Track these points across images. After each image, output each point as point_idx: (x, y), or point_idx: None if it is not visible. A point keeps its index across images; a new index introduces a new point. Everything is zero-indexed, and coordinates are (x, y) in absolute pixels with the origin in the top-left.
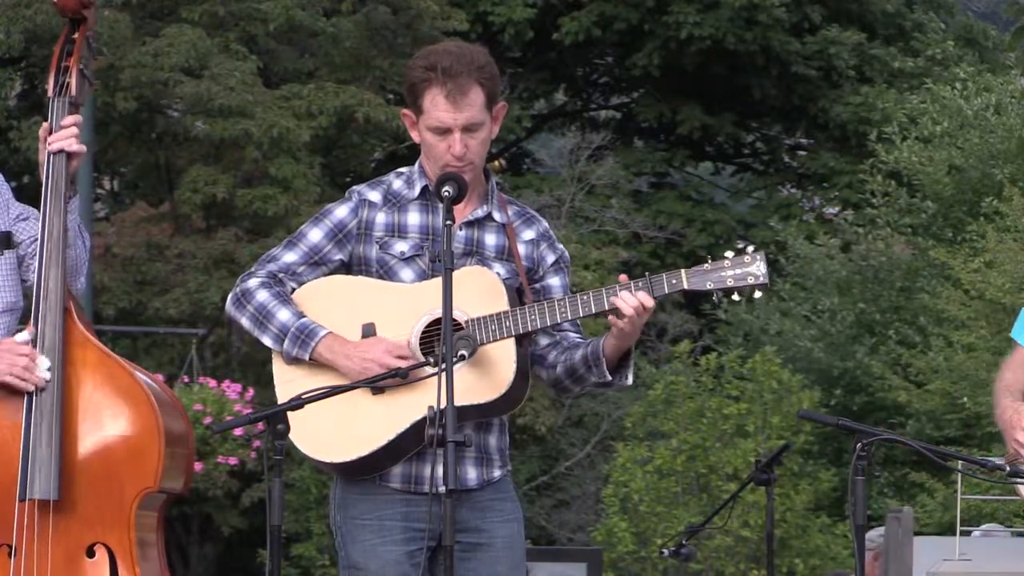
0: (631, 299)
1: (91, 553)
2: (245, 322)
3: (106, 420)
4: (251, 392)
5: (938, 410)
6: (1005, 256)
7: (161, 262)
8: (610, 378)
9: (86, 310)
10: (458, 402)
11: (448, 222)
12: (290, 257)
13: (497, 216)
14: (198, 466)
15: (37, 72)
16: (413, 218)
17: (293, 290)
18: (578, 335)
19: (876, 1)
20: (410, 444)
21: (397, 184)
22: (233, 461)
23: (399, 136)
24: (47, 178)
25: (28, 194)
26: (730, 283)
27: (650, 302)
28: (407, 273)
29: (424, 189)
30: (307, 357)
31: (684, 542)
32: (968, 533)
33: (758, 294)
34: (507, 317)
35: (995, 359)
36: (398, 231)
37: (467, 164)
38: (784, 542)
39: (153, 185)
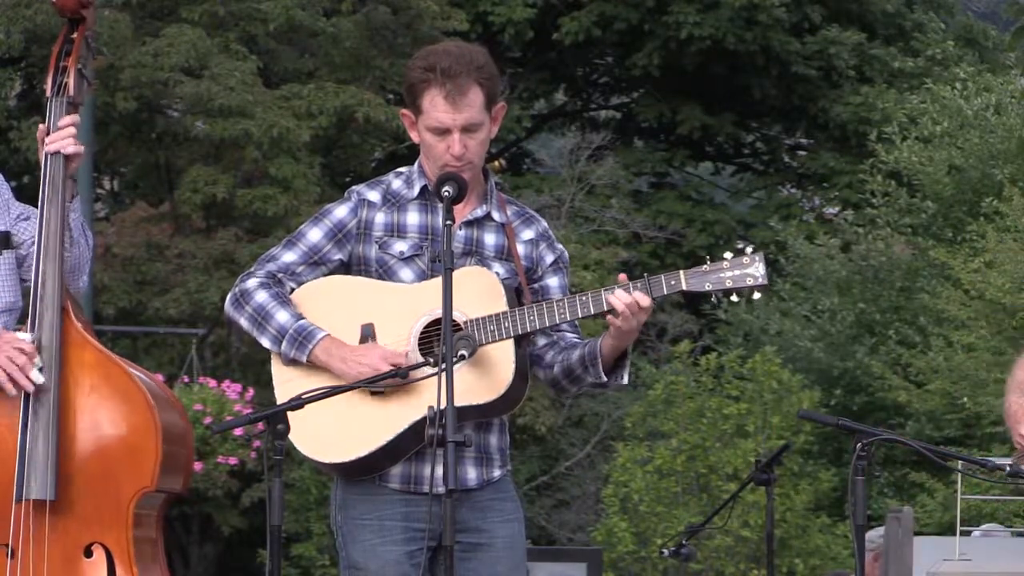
0: (626, 297)
1: (89, 553)
2: (244, 322)
3: (103, 420)
4: (251, 392)
5: (938, 410)
6: (1005, 256)
7: (161, 262)
8: (605, 379)
9: (86, 310)
10: (457, 402)
11: (448, 222)
12: (289, 257)
13: (496, 216)
14: (198, 466)
15: (37, 72)
16: (412, 218)
17: (292, 290)
18: (575, 335)
19: (876, 1)
20: (409, 444)
21: (396, 184)
22: (233, 461)
23: (399, 136)
24: (44, 178)
25: (28, 194)
26: (729, 284)
27: (646, 302)
28: (406, 273)
29: (423, 189)
30: (304, 359)
31: (684, 542)
32: (968, 533)
33: (757, 295)
34: (506, 318)
35: (995, 359)
36: (397, 231)
37: (466, 164)
38: (784, 542)
39: (153, 185)
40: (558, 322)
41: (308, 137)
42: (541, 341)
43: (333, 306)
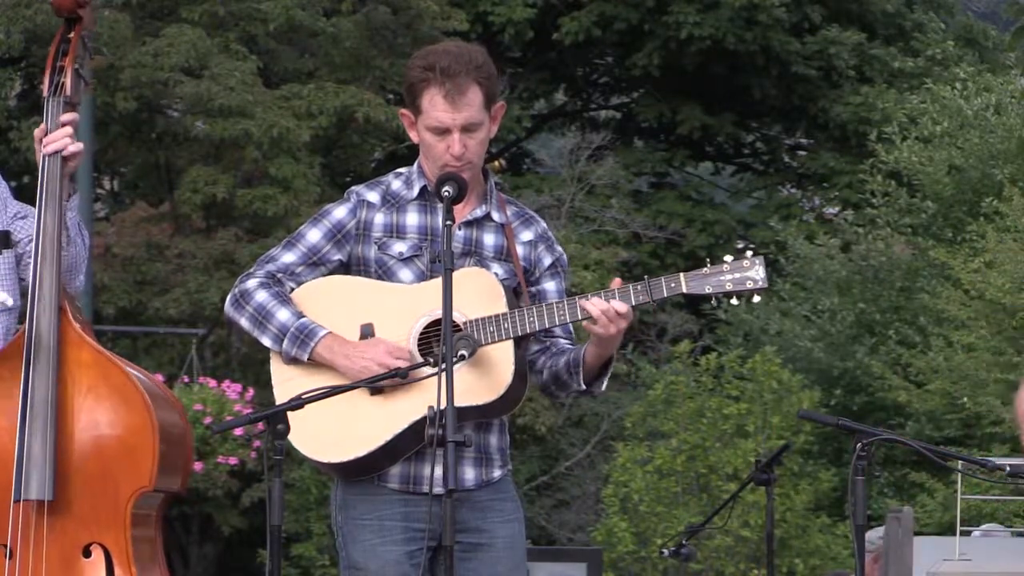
0: (601, 304)
1: (87, 553)
2: (244, 322)
3: (101, 420)
4: (251, 392)
5: (938, 410)
6: (1005, 256)
7: (161, 262)
8: (584, 387)
9: (86, 309)
10: (457, 403)
11: (448, 222)
12: (289, 257)
13: (496, 216)
14: (198, 466)
15: (37, 72)
16: (412, 218)
17: (292, 290)
18: (568, 341)
19: (876, 1)
20: (408, 444)
21: (396, 185)
22: (233, 461)
23: (399, 136)
24: (42, 178)
25: (28, 194)
26: (729, 287)
27: (623, 308)
28: (406, 274)
29: (423, 189)
30: (306, 357)
31: (684, 542)
32: (968, 533)
33: (757, 298)
34: (506, 319)
35: (995, 359)
36: (397, 232)
37: (466, 164)
38: (784, 542)
39: (153, 185)
40: (557, 323)
41: (308, 137)
42: (534, 347)
43: (333, 306)
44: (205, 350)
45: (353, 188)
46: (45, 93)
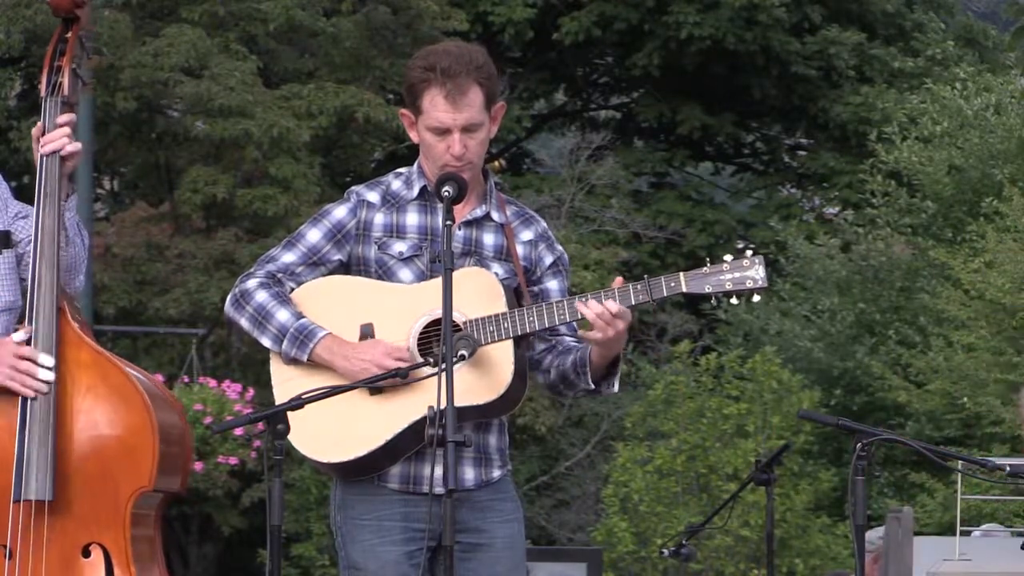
0: (596, 307)
1: (87, 553)
2: (244, 323)
3: (100, 419)
4: (251, 392)
5: (938, 410)
6: (1005, 256)
7: (161, 262)
8: (593, 387)
9: (86, 309)
10: (457, 403)
11: (448, 222)
12: (289, 257)
13: (495, 216)
14: (198, 466)
15: (37, 72)
16: (412, 218)
17: (292, 290)
18: (573, 339)
19: (876, 1)
20: (408, 444)
21: (396, 185)
22: (233, 461)
23: (399, 136)
24: (40, 178)
25: (28, 194)
26: (729, 287)
27: (615, 307)
28: (406, 273)
29: (423, 189)
30: (305, 358)
31: (684, 542)
32: (968, 533)
33: (756, 298)
34: (505, 319)
35: (995, 359)
36: (397, 232)
37: (466, 164)
38: (784, 542)
39: (153, 185)
40: (557, 323)
41: (308, 137)
42: (540, 346)
43: (333, 306)
44: (205, 350)
45: (353, 188)
46: (43, 93)
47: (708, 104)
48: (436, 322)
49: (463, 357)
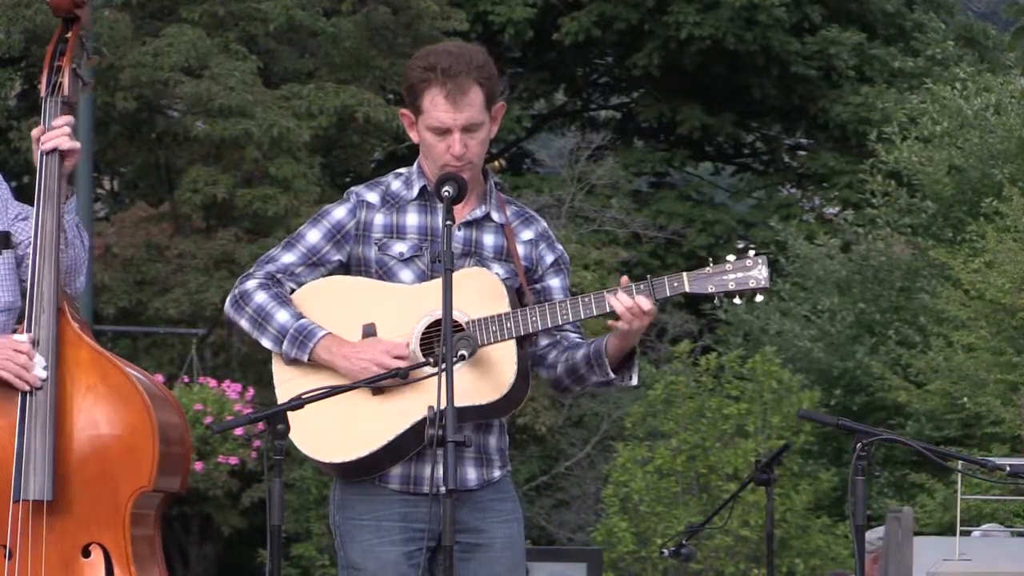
0: (628, 300)
1: (87, 553)
2: (244, 323)
3: (100, 420)
4: (251, 392)
5: (938, 410)
6: (1005, 256)
7: (161, 262)
8: (612, 376)
9: (86, 310)
10: (459, 403)
11: (448, 222)
12: (288, 258)
13: (496, 216)
14: (198, 466)
15: (37, 72)
16: (412, 219)
17: (292, 291)
18: (578, 335)
19: (876, 1)
20: (410, 445)
21: (395, 185)
22: (233, 461)
23: (399, 136)
24: (40, 178)
25: (28, 195)
26: (732, 286)
27: (647, 305)
28: (406, 274)
29: (423, 189)
30: (305, 358)
31: (684, 542)
32: (968, 533)
33: (759, 298)
34: (508, 319)
35: (995, 359)
36: (397, 232)
37: (466, 164)
38: (784, 542)
39: (153, 185)
40: (560, 323)
41: (308, 137)
42: (544, 341)
43: (333, 306)
44: (205, 350)
45: (353, 188)
46: (43, 93)
47: (708, 104)
48: (438, 322)
49: (463, 357)
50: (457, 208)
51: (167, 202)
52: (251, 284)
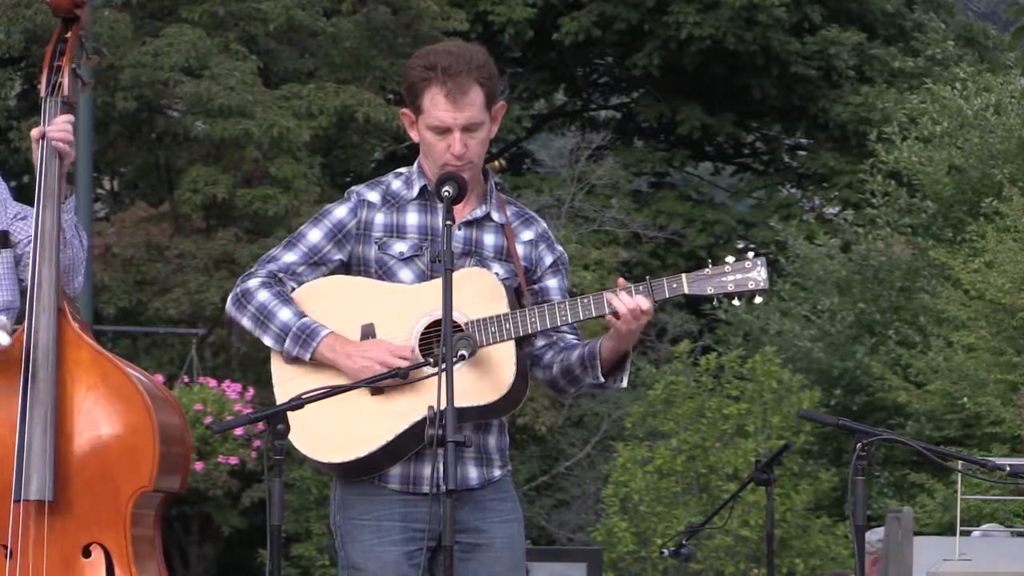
0: (629, 301)
1: (87, 553)
2: (246, 322)
3: (100, 420)
4: (251, 392)
5: (938, 410)
6: (1005, 256)
7: (161, 262)
8: (603, 380)
9: (86, 309)
10: (458, 403)
11: (448, 222)
12: (290, 257)
13: (496, 216)
14: (198, 466)
15: (37, 72)
16: (412, 218)
17: (293, 290)
18: (574, 336)
19: (876, 1)
20: (409, 445)
21: (396, 184)
22: (233, 461)
23: (399, 136)
24: (40, 178)
25: (28, 195)
26: (731, 288)
27: (647, 305)
28: (406, 274)
29: (423, 189)
30: (308, 357)
31: (684, 542)
32: (968, 533)
33: (758, 299)
34: (507, 319)
35: (995, 359)
36: (397, 232)
37: (466, 163)
38: (784, 542)
39: (153, 185)
40: (559, 324)
41: (308, 137)
42: (540, 341)
43: (333, 306)
44: (205, 350)
45: (353, 188)
46: (42, 93)
47: (708, 104)
48: (437, 322)
49: (463, 357)
50: (457, 208)
51: (167, 202)
52: (253, 283)
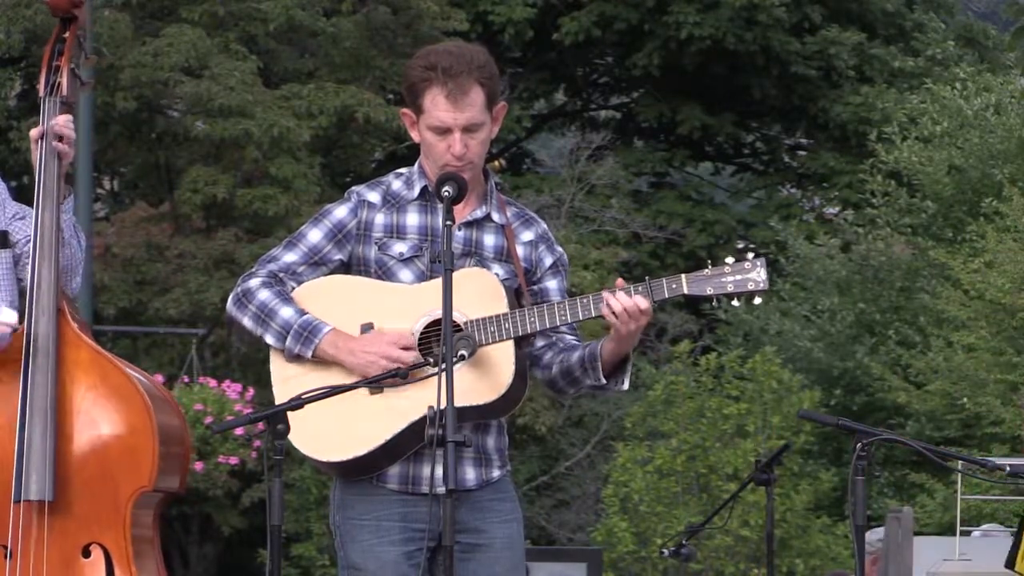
0: (626, 300)
1: (87, 553)
2: (247, 321)
3: (100, 420)
4: (251, 392)
5: (938, 410)
6: (1005, 256)
7: (161, 262)
8: (604, 381)
9: (86, 309)
10: (457, 403)
11: (448, 222)
12: (290, 257)
13: (496, 217)
14: (198, 466)
15: (37, 72)
16: (412, 219)
17: (293, 290)
18: (574, 337)
19: (876, 1)
20: (408, 444)
21: (396, 185)
22: (233, 461)
23: (399, 136)
24: (39, 178)
25: (27, 195)
26: (730, 288)
27: (645, 305)
28: (406, 274)
29: (423, 190)
30: (310, 354)
31: (684, 542)
32: (968, 533)
33: (758, 300)
34: (506, 319)
35: (995, 359)
36: (397, 232)
37: (467, 164)
38: (784, 542)
39: (153, 185)
40: (558, 324)
41: (308, 137)
42: (540, 342)
43: (333, 305)
44: (205, 350)
45: (354, 188)
46: (41, 93)
47: (708, 104)
48: (437, 322)
49: (463, 357)
50: (457, 208)
51: (167, 202)
52: (254, 282)
